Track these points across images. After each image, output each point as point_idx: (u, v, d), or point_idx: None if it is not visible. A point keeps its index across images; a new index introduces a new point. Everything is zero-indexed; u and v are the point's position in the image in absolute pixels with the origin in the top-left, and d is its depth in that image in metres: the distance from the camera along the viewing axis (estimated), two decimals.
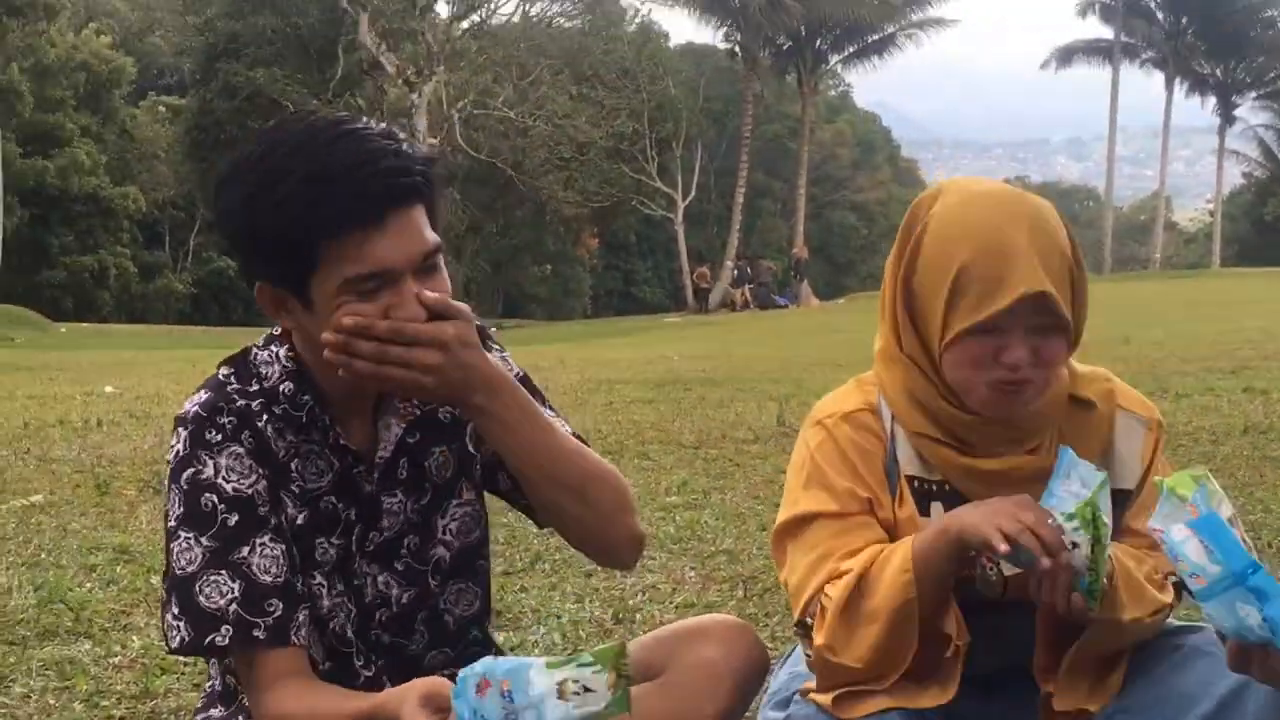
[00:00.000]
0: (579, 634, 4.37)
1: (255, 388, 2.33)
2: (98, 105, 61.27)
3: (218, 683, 2.49)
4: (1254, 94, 73.12)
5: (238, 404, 2.30)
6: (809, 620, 2.55)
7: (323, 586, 2.37)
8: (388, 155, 2.20)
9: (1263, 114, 74.28)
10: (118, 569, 5.42)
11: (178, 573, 2.25)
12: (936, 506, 2.58)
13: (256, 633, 2.22)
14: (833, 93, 76.75)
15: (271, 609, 2.24)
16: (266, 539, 2.26)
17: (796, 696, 2.67)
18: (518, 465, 2.36)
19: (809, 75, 57.87)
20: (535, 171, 51.76)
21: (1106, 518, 2.38)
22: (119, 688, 3.89)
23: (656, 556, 5.54)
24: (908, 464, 2.61)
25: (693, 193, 58.85)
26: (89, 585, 5.14)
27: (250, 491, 2.27)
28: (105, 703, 3.76)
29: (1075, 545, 2.36)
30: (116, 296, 59.61)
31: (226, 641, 2.22)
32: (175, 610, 2.25)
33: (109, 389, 15.48)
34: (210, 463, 2.26)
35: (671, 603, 4.80)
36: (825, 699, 2.54)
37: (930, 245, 2.51)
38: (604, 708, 1.93)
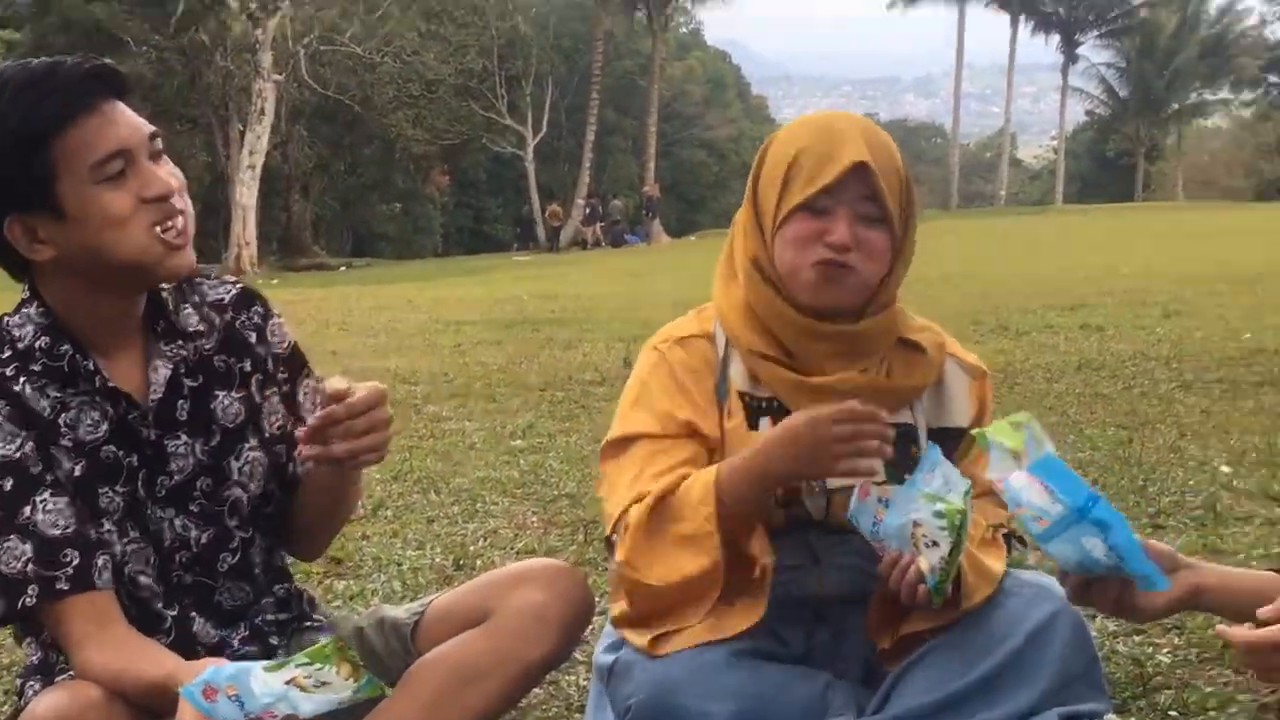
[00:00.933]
0: (419, 580, 4.38)
1: (7, 354, 2.35)
2: None
3: (35, 656, 2.49)
4: (1096, 32, 74.47)
5: None
6: (614, 538, 2.66)
7: (113, 533, 2.38)
8: (71, 60, 2.30)
9: (1105, 52, 75.76)
10: None
11: None
12: (765, 421, 2.69)
13: (60, 585, 2.25)
14: (683, 30, 76.62)
15: (68, 559, 2.27)
16: (47, 495, 2.29)
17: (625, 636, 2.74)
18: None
19: (659, 12, 57.62)
20: (384, 108, 51.11)
21: (971, 528, 2.49)
22: None
23: (499, 501, 5.56)
24: (739, 380, 2.73)
25: (543, 130, 58.57)
26: None
27: (18, 455, 2.29)
28: None
29: (935, 544, 2.46)
30: None
31: (35, 600, 2.24)
32: None
33: None
34: None
35: (513, 548, 4.81)
36: (641, 640, 2.62)
37: (772, 149, 2.71)
38: (353, 693, 2.07)
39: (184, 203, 2.35)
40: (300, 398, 2.63)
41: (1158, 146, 75.67)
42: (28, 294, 2.40)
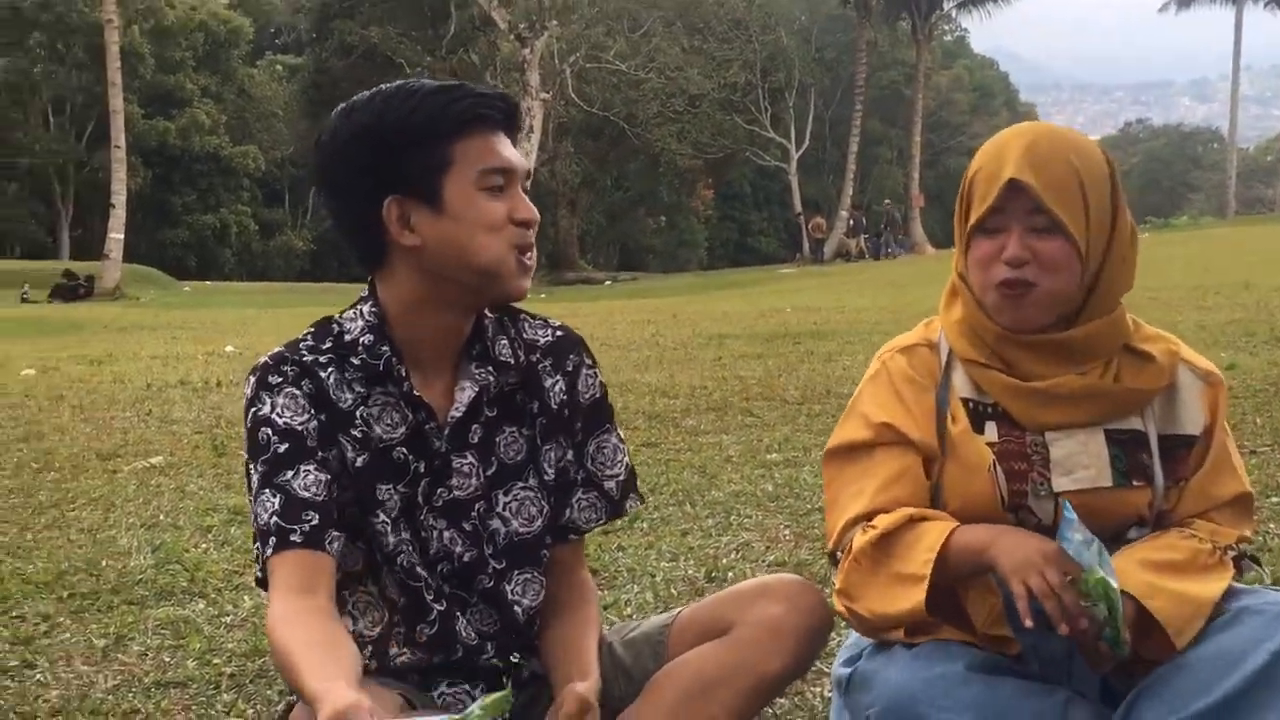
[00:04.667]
0: (671, 592, 4.47)
1: (328, 345, 2.55)
2: (216, 65, 62.26)
3: None
4: None
5: (304, 358, 2.53)
6: (838, 554, 2.72)
7: (386, 525, 2.53)
8: (483, 90, 2.52)
9: None
10: (232, 530, 5.61)
11: (250, 499, 2.48)
12: (990, 425, 2.72)
13: (294, 538, 2.40)
14: (948, 38, 75.76)
15: (308, 518, 2.42)
16: (312, 467, 2.45)
17: (867, 651, 2.79)
18: None
19: (923, 21, 57.13)
20: (648, 124, 51.70)
21: (1114, 580, 2.48)
22: (230, 645, 4.06)
23: (752, 514, 5.63)
24: (962, 387, 2.76)
25: (806, 142, 58.56)
26: (204, 546, 5.34)
27: (301, 428, 2.47)
28: (216, 660, 3.92)
29: (1095, 605, 2.49)
30: (238, 254, 60.68)
31: (270, 551, 2.40)
32: (256, 536, 2.46)
33: (230, 349, 15.84)
34: (269, 401, 2.49)
35: (764, 560, 4.88)
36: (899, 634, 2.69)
37: (968, 171, 2.75)
38: None
39: (534, 237, 2.54)
40: (590, 450, 2.74)
41: None
42: (366, 293, 2.59)
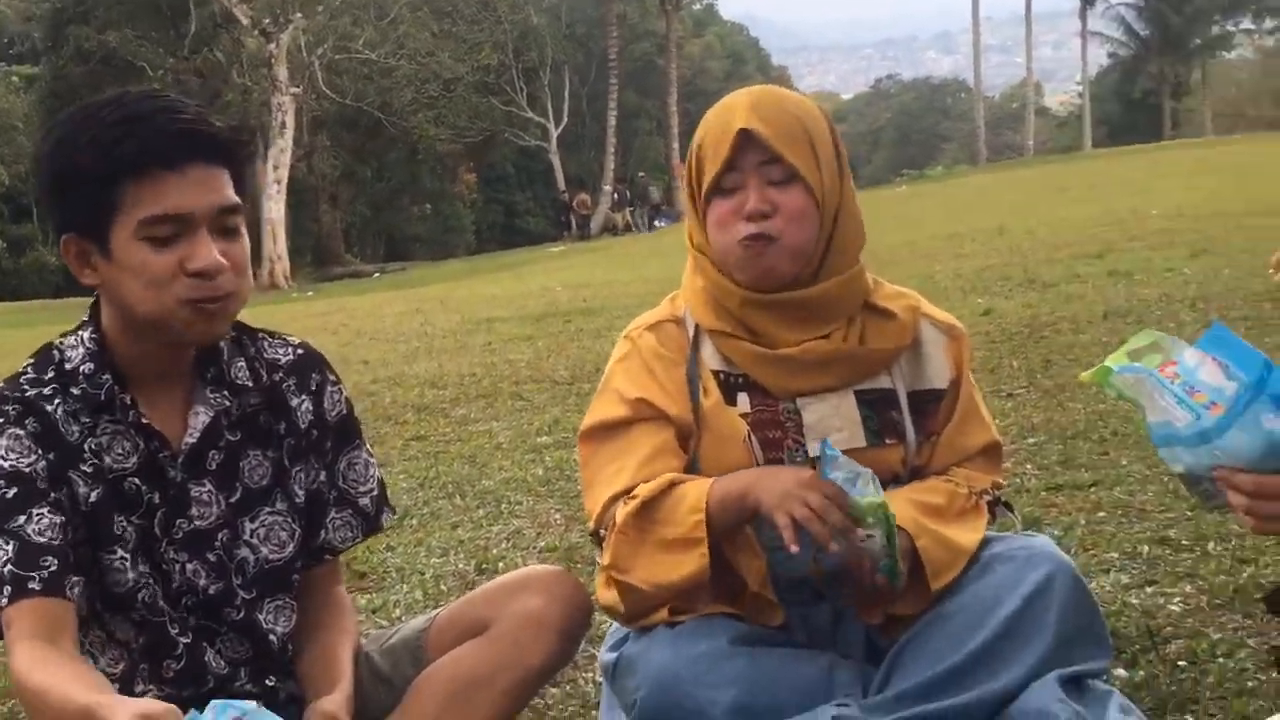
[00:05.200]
0: (440, 589, 4.41)
1: (50, 375, 2.42)
2: None
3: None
4: None
5: (27, 393, 2.40)
6: (601, 532, 2.71)
7: (125, 561, 2.42)
8: (193, 113, 2.33)
9: None
10: None
11: None
12: (742, 396, 2.74)
13: (32, 585, 2.28)
14: (697, 6, 76.43)
15: (46, 564, 2.30)
16: (45, 510, 2.33)
17: (632, 635, 2.77)
18: None
19: None
20: (404, 112, 51.22)
21: (892, 507, 2.52)
22: None
23: (523, 501, 5.59)
24: (711, 360, 2.78)
25: (565, 119, 58.63)
26: None
27: (29, 470, 2.35)
28: None
29: (871, 536, 2.51)
30: None
31: (6, 601, 2.27)
32: None
33: None
34: None
35: (535, 547, 4.85)
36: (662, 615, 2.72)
37: (693, 140, 2.77)
38: None
39: (236, 283, 2.35)
40: (341, 468, 2.66)
41: (1183, 83, 75.04)
42: (87, 317, 2.46)
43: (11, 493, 2.32)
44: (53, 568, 2.30)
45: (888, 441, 2.75)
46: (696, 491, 2.62)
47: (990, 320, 9.65)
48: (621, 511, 2.65)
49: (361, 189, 58.31)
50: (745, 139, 2.64)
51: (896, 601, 2.66)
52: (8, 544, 2.29)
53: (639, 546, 2.64)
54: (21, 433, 2.36)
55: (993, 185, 36.77)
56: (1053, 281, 12.07)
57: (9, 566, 2.28)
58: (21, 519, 2.31)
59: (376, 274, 43.72)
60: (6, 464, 2.34)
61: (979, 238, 18.38)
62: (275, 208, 39.80)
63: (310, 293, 34.16)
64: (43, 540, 2.31)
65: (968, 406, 2.85)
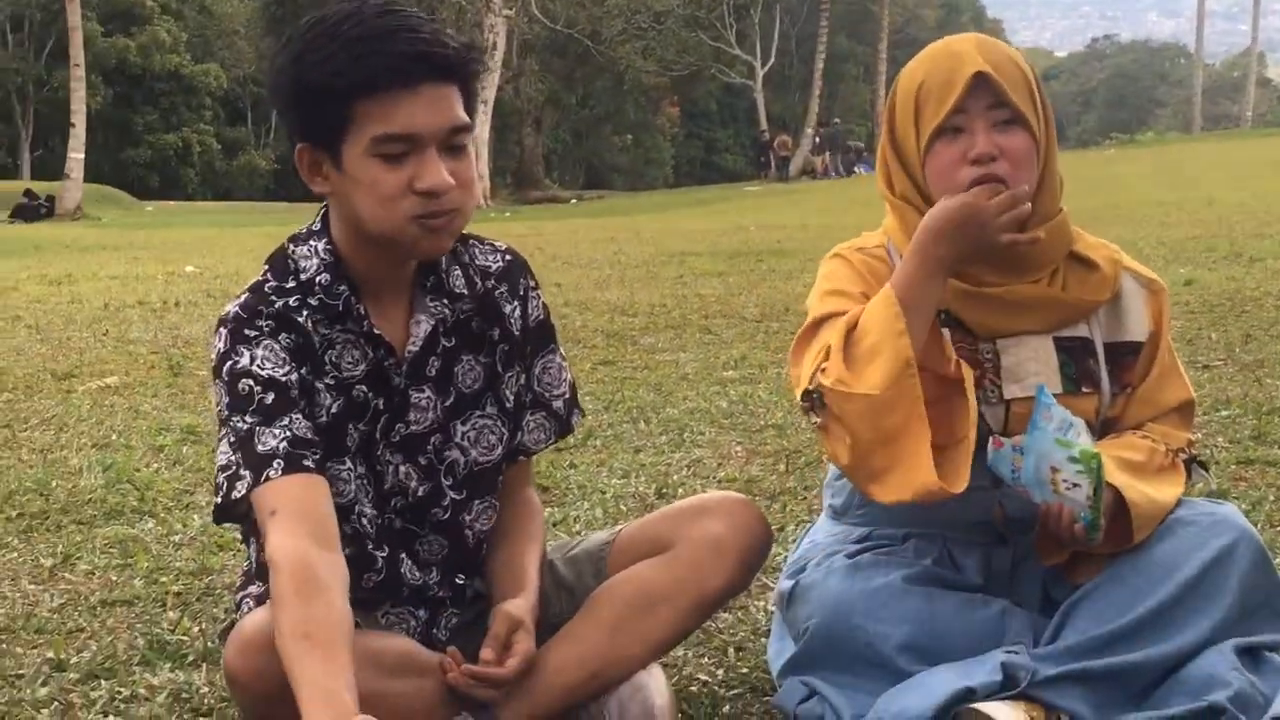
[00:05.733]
0: (620, 509, 4.47)
1: (292, 284, 2.48)
2: None
3: (254, 561, 2.62)
4: None
5: (276, 305, 2.46)
6: (812, 386, 2.63)
7: (350, 471, 2.51)
8: (429, 31, 2.35)
9: None
10: (184, 449, 5.59)
11: (232, 440, 2.39)
12: (946, 332, 2.70)
13: (306, 461, 2.37)
14: None
15: (315, 453, 2.40)
16: (299, 416, 2.41)
17: (812, 562, 2.81)
18: None
19: None
20: (613, 41, 51.39)
21: (1135, 456, 2.55)
22: (178, 564, 4.04)
23: (706, 431, 5.64)
24: None
25: (772, 59, 58.26)
26: (156, 466, 5.31)
27: (284, 379, 2.42)
28: (164, 579, 3.91)
29: (1076, 485, 2.50)
30: (201, 174, 60.19)
31: (279, 472, 2.34)
32: (235, 466, 2.38)
33: (190, 268, 15.73)
34: (246, 353, 2.42)
35: (715, 477, 4.89)
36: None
37: (900, 86, 2.75)
38: None
39: (462, 200, 2.39)
40: (537, 371, 2.73)
41: None
42: (318, 225, 2.53)
43: (272, 399, 2.40)
44: (319, 455, 2.40)
45: (1084, 390, 2.74)
46: (880, 296, 2.62)
47: (1191, 291, 9.44)
48: (834, 335, 2.63)
49: (565, 116, 58.75)
50: (978, 82, 2.62)
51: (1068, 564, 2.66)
52: (281, 432, 2.37)
53: (854, 361, 2.59)
54: (278, 345, 2.43)
55: (1205, 155, 35.80)
56: (1260, 256, 11.77)
57: (284, 444, 2.36)
58: (285, 420, 2.39)
59: (574, 200, 44.06)
60: (264, 373, 2.40)
61: (1186, 206, 17.97)
62: (480, 128, 40.23)
63: (508, 214, 34.56)
64: (307, 435, 2.40)
65: (1166, 361, 2.83)
